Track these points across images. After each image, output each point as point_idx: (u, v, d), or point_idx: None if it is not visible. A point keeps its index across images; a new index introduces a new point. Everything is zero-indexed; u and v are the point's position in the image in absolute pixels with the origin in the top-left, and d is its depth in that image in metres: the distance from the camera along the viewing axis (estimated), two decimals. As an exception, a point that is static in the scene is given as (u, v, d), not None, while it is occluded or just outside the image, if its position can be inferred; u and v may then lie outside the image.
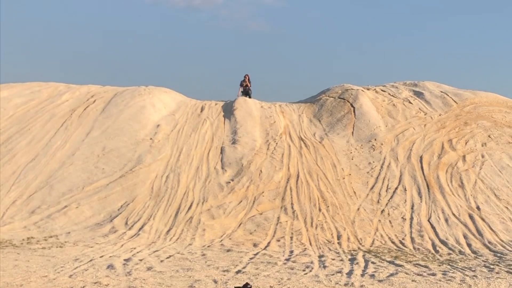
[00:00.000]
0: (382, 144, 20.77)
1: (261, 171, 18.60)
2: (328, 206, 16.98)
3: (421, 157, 19.94)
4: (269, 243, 14.82)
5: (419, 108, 23.40)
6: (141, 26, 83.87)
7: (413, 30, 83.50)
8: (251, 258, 13.00)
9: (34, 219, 15.69)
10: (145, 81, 53.26)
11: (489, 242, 15.19)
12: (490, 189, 18.29)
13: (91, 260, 11.99)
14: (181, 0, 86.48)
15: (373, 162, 19.71)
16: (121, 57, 76.06)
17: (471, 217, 16.69)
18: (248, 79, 25.98)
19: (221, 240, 14.91)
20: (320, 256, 13.50)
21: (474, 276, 11.57)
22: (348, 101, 23.70)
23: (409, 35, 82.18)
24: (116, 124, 20.95)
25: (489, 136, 21.40)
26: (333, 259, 13.16)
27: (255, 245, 14.62)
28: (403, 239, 15.44)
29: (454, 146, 20.61)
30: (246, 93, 25.73)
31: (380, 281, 11.05)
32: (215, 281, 10.38)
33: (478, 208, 17.19)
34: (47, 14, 78.88)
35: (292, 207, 16.91)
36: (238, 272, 11.37)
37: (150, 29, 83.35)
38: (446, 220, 16.50)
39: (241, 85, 25.82)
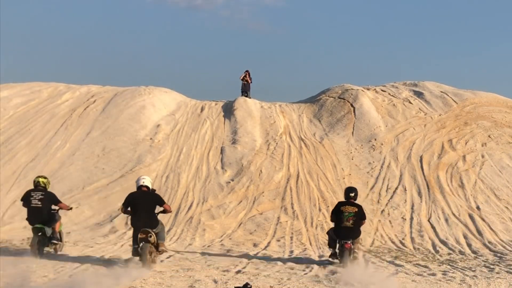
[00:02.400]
0: (382, 144, 20.77)
1: (261, 171, 18.59)
2: (328, 206, 16.96)
3: (421, 157, 19.94)
4: (269, 243, 14.81)
5: (419, 108, 23.40)
6: (142, 26, 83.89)
7: (413, 30, 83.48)
8: (251, 258, 12.99)
9: (34, 219, 15.66)
10: (145, 81, 53.30)
11: (489, 242, 15.17)
12: (490, 189, 18.28)
13: (91, 260, 11.97)
14: (182, 0, 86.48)
15: (373, 162, 19.70)
16: (121, 57, 76.08)
17: (471, 217, 16.69)
18: (249, 75, 26.05)
19: (221, 240, 14.90)
20: (320, 256, 13.49)
21: (474, 276, 11.56)
22: (348, 101, 23.70)
23: (409, 35, 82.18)
24: (116, 124, 20.95)
25: (489, 136, 21.39)
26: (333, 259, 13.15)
27: (255, 245, 14.61)
28: (403, 239, 15.43)
29: (454, 146, 20.61)
30: (246, 89, 25.77)
31: (380, 281, 11.04)
32: (215, 281, 10.37)
33: (478, 208, 17.19)
34: (47, 14, 78.88)
35: (292, 207, 16.90)
36: (238, 272, 11.37)
37: (151, 29, 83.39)
38: (446, 220, 16.49)
39: (242, 79, 25.93)
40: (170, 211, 11.63)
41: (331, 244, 12.29)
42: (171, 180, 17.94)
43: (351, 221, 11.92)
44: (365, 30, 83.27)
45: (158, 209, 11.19)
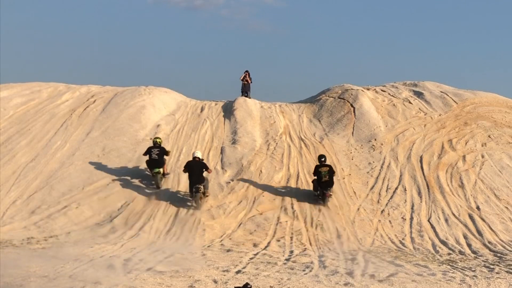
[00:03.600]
0: (382, 144, 20.78)
1: (261, 171, 18.59)
2: (328, 206, 16.98)
3: (421, 157, 19.95)
4: (269, 243, 14.81)
5: (419, 108, 23.40)
6: (142, 26, 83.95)
7: (413, 30, 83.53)
8: (251, 258, 13.00)
9: (34, 219, 15.68)
10: (145, 81, 53.26)
11: (489, 242, 15.19)
12: (490, 189, 18.29)
13: (91, 260, 11.99)
14: (182, 0, 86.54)
15: (373, 162, 19.71)
16: (121, 57, 76.13)
17: (471, 217, 16.70)
18: (248, 75, 26.03)
19: (221, 240, 14.90)
20: (320, 256, 13.50)
21: (474, 276, 11.57)
22: (348, 101, 23.70)
23: (409, 35, 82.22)
24: (116, 124, 20.94)
25: (489, 136, 21.40)
26: (333, 259, 13.16)
27: (255, 245, 14.61)
28: (403, 239, 15.44)
29: (454, 146, 20.62)
30: (246, 89, 25.75)
31: (380, 281, 11.06)
32: (215, 281, 10.38)
33: (478, 208, 17.20)
34: (47, 14, 78.93)
35: (292, 207, 16.91)
36: (238, 272, 11.38)
37: (151, 29, 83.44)
38: (446, 220, 16.50)
39: (242, 80, 25.91)
40: (211, 172, 17.34)
41: (315, 189, 17.29)
42: (171, 180, 17.94)
43: (327, 177, 17.01)
44: (365, 30, 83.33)
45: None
